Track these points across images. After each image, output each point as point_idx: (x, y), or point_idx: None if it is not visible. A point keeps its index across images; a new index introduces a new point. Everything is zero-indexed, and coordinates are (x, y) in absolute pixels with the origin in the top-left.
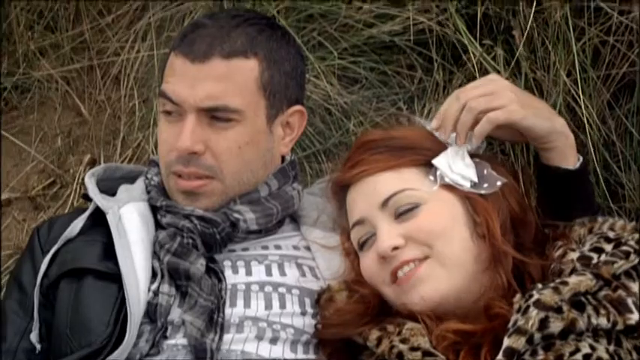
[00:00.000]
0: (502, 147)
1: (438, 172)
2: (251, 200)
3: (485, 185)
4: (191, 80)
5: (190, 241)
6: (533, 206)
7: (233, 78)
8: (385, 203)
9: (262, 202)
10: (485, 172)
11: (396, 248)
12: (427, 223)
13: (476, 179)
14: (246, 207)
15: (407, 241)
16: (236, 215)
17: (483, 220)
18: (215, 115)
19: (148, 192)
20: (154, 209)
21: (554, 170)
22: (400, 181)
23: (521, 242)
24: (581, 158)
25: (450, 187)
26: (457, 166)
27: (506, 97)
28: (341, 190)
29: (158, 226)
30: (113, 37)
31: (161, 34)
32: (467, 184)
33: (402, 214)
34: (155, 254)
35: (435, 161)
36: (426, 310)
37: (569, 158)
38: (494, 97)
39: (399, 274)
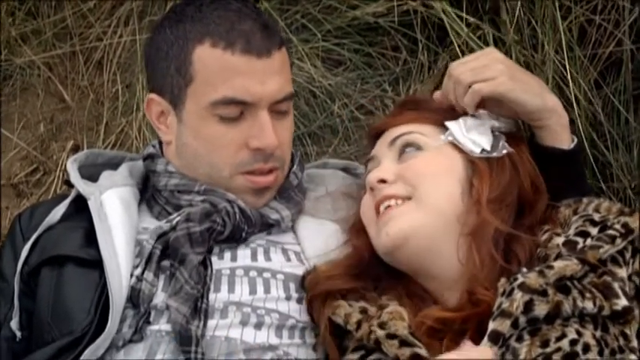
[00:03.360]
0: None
1: (448, 132)
2: (286, 196)
3: (495, 154)
4: (261, 76)
5: (219, 227)
6: None
7: (285, 66)
8: (393, 141)
9: (293, 196)
10: (500, 143)
11: (383, 181)
12: (418, 165)
13: (488, 148)
14: (282, 204)
15: (397, 179)
16: (275, 217)
17: (477, 184)
18: (276, 107)
19: (167, 178)
20: (142, 194)
21: (547, 150)
22: (414, 127)
23: (521, 223)
24: (575, 139)
25: (459, 148)
26: (471, 131)
27: (496, 70)
28: (372, 142)
29: (148, 209)
30: (95, 22)
31: (143, 19)
32: (477, 150)
33: (404, 154)
34: (153, 231)
35: (448, 122)
36: (393, 248)
37: (562, 138)
38: (483, 69)
39: (381, 209)
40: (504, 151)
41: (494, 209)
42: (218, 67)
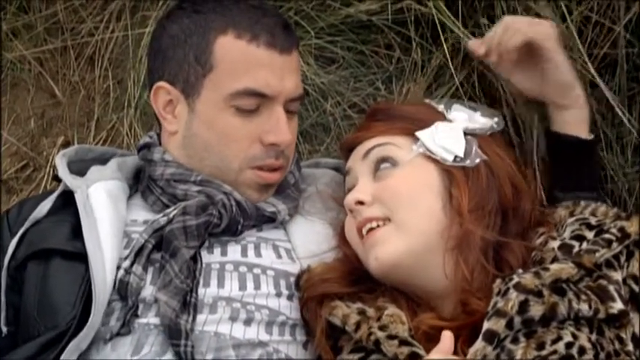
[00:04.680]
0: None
1: (419, 142)
2: (283, 194)
3: (468, 162)
4: (280, 72)
5: (216, 220)
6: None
7: (299, 66)
8: (367, 154)
9: (289, 193)
10: (474, 149)
11: (360, 203)
12: (394, 185)
13: (461, 154)
14: (277, 199)
15: (374, 200)
16: (271, 209)
17: (456, 194)
18: (290, 105)
19: (163, 167)
20: (135, 187)
21: (567, 138)
22: (386, 139)
23: (508, 229)
24: (592, 136)
25: (432, 158)
26: (442, 139)
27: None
28: (346, 155)
29: (143, 200)
30: (87, 17)
31: (135, 15)
32: (449, 158)
33: (380, 171)
34: (146, 223)
35: (419, 132)
36: (383, 273)
37: (582, 128)
38: (541, 24)
39: (363, 231)
40: (477, 160)
41: (477, 218)
42: (242, 58)
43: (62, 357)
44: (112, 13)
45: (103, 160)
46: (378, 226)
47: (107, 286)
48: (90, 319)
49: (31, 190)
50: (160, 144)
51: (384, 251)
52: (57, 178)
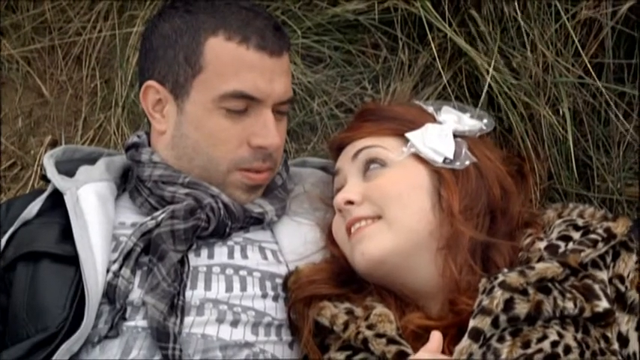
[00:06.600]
0: (508, 126)
1: (409, 144)
2: (271, 195)
3: (457, 164)
4: (270, 75)
5: (203, 224)
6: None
7: (289, 69)
8: (356, 155)
9: (277, 194)
10: (463, 151)
11: (350, 203)
12: (384, 185)
13: (451, 156)
14: (264, 200)
15: (364, 200)
16: (258, 210)
17: (446, 195)
18: (279, 108)
19: (151, 169)
20: (123, 186)
21: None
22: (375, 141)
23: (496, 230)
24: None
25: (422, 159)
26: (432, 141)
27: None
28: (335, 155)
29: (131, 201)
30: (75, 16)
31: (123, 14)
32: (439, 159)
33: (369, 172)
34: (133, 226)
35: (409, 134)
36: (369, 269)
37: None
38: None
39: (352, 230)
40: (467, 162)
41: (466, 218)
42: (231, 60)
43: (54, 358)
44: (99, 12)
45: (90, 160)
46: (367, 224)
47: (99, 288)
48: (83, 321)
49: (19, 188)
50: (150, 143)
51: (371, 247)
52: (45, 178)
